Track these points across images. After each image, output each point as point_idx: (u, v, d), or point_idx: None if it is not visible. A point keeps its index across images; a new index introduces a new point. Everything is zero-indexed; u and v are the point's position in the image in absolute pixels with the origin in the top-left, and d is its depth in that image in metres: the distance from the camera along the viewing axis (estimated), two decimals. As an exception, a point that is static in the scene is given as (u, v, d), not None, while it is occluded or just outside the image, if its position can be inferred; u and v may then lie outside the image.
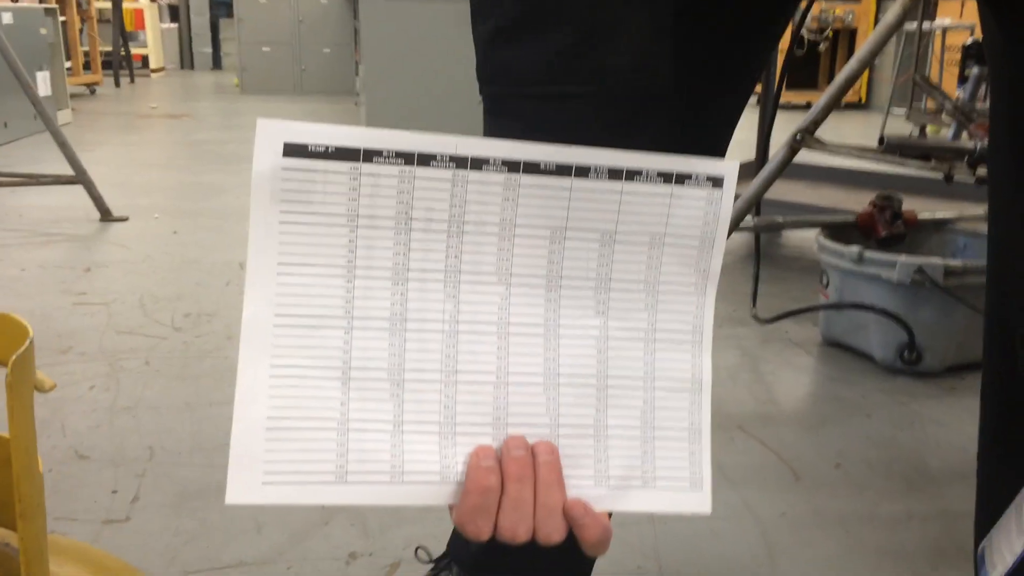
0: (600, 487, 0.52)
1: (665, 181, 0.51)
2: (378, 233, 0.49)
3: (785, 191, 2.63)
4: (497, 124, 0.55)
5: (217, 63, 11.69)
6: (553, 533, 0.49)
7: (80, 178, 2.84)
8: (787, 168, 1.82)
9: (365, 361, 0.49)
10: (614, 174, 0.50)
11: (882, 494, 1.31)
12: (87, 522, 1.18)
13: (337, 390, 0.49)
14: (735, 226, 1.83)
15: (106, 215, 2.89)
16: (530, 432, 0.51)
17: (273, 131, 0.47)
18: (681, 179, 0.51)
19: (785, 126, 1.79)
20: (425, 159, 0.48)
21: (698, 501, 0.53)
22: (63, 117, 5.17)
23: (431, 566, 0.97)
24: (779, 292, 2.27)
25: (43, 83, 4.75)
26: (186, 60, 11.63)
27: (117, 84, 8.12)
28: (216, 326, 1.93)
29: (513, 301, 0.51)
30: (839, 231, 2.00)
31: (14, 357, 0.41)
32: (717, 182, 0.51)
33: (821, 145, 1.76)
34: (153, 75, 9.72)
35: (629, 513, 0.53)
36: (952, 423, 1.56)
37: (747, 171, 2.78)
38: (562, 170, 0.50)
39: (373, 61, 4.29)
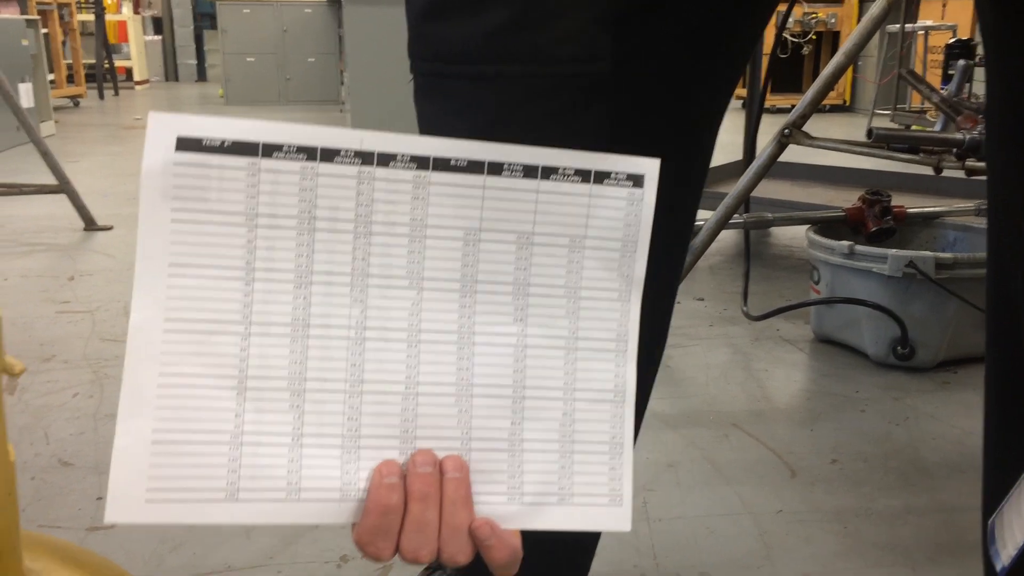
0: (513, 503, 0.49)
1: (583, 180, 0.48)
2: (279, 233, 0.46)
3: (773, 190, 2.62)
4: (429, 105, 0.53)
5: (202, 74, 11.66)
6: (458, 554, 0.47)
7: (63, 187, 2.81)
8: (775, 167, 1.81)
9: (263, 369, 0.46)
10: (529, 171, 0.48)
11: (879, 489, 1.30)
12: (71, 529, 1.15)
13: (231, 400, 0.45)
14: (724, 223, 1.82)
15: (90, 224, 2.86)
16: (439, 446, 0.48)
17: (165, 124, 0.44)
18: (600, 177, 0.48)
19: (771, 130, 1.79)
20: (329, 154, 0.46)
21: (617, 517, 0.50)
22: (46, 129, 5.13)
23: (423, 568, 0.95)
24: (769, 290, 2.26)
25: (25, 95, 4.71)
26: (170, 72, 11.59)
27: (101, 96, 8.07)
28: (202, 332, 1.90)
29: (425, 307, 0.48)
30: (829, 227, 2.00)
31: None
32: (638, 181, 0.49)
33: (809, 139, 1.75)
34: (137, 87, 9.67)
35: (543, 531, 0.50)
36: (946, 417, 1.55)
37: (734, 170, 2.78)
38: (474, 167, 0.47)
39: (358, 69, 4.28)
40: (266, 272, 0.46)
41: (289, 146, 0.45)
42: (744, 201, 1.84)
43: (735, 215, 1.85)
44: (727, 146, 4.12)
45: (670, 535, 1.16)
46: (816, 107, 1.77)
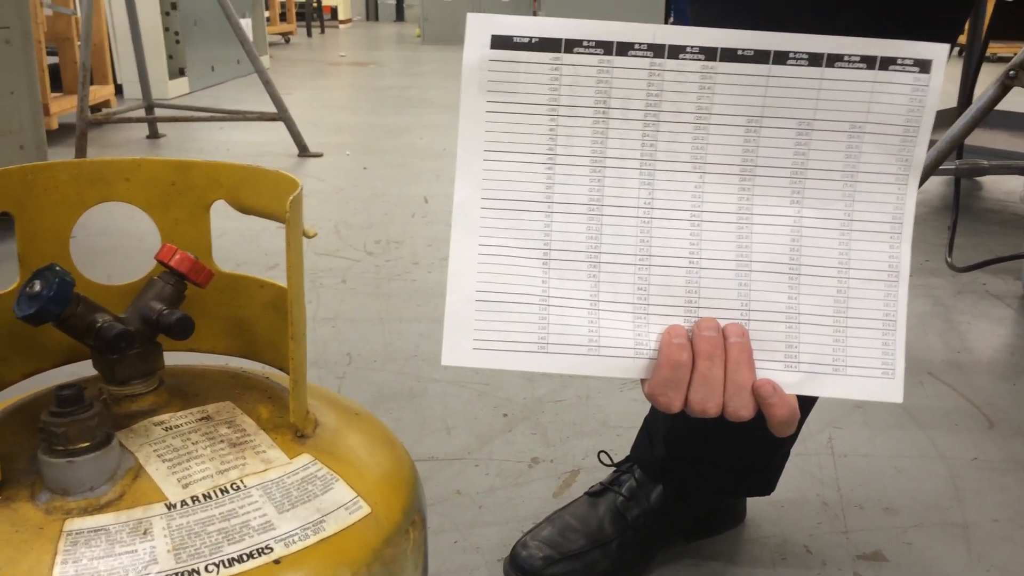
0: (790, 371, 0.52)
1: (868, 66, 0.50)
2: (577, 122, 0.51)
3: (990, 139, 2.47)
4: (703, 5, 0.56)
5: (400, 15, 12.03)
6: (741, 409, 0.51)
7: (282, 115, 3.02)
8: (992, 115, 1.70)
9: (564, 243, 0.52)
10: (814, 59, 0.50)
11: (1086, 448, 1.24)
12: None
13: (539, 269, 0.52)
14: (932, 171, 1.74)
15: (303, 150, 3.08)
16: (721, 316, 0.52)
17: (482, 24, 0.50)
18: (885, 64, 0.50)
19: (989, 80, 1.68)
20: (624, 48, 0.50)
21: (889, 389, 0.53)
22: (262, 62, 5.49)
23: (613, 469, 1.01)
24: (976, 245, 2.14)
25: (246, 29, 5.06)
26: (371, 12, 12.04)
27: (309, 34, 8.53)
28: (403, 252, 2.03)
29: (707, 189, 0.52)
30: (1051, 179, 1.87)
31: (291, 198, 0.47)
32: (924, 66, 0.50)
33: (1038, 83, 1.64)
34: (341, 26, 10.13)
35: (820, 398, 0.53)
36: None
37: (948, 119, 2.62)
38: (760, 56, 0.50)
39: (553, 11, 4.31)
40: (566, 157, 0.52)
41: (588, 41, 0.50)
42: (958, 147, 1.75)
43: (947, 161, 1.76)
44: (942, 94, 3.87)
45: (855, 471, 1.16)
46: (1048, 48, 1.65)
